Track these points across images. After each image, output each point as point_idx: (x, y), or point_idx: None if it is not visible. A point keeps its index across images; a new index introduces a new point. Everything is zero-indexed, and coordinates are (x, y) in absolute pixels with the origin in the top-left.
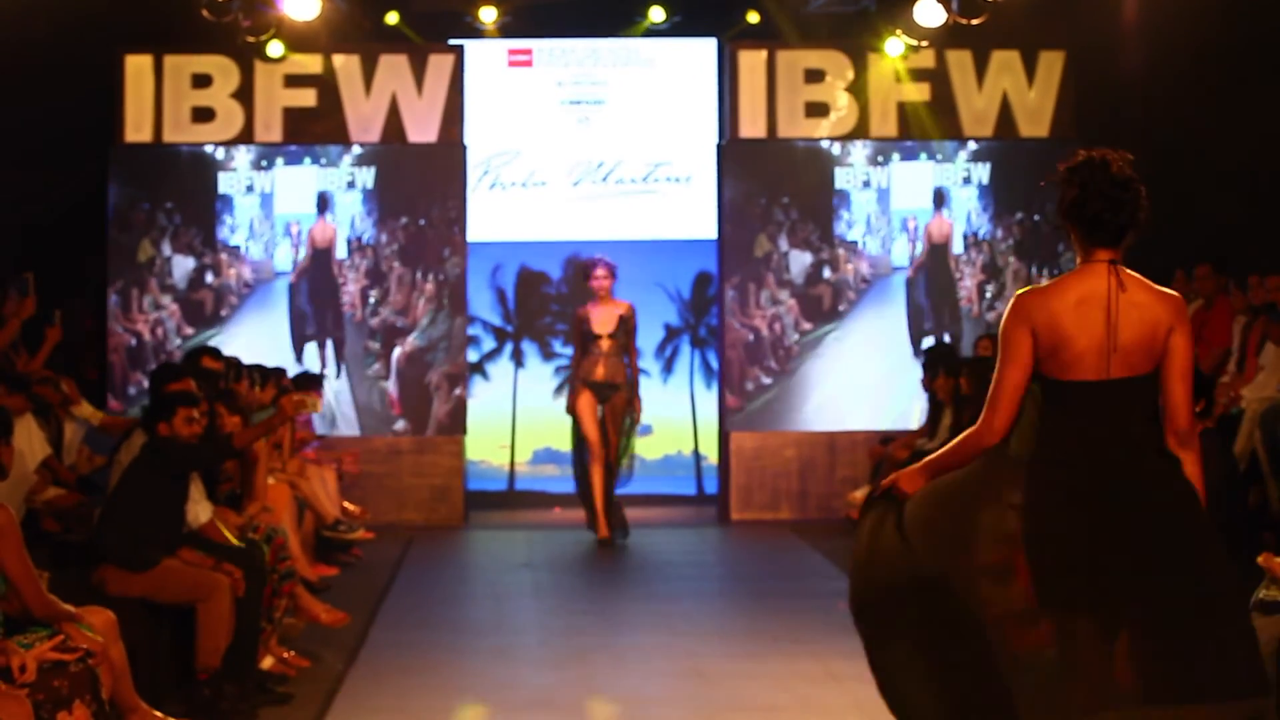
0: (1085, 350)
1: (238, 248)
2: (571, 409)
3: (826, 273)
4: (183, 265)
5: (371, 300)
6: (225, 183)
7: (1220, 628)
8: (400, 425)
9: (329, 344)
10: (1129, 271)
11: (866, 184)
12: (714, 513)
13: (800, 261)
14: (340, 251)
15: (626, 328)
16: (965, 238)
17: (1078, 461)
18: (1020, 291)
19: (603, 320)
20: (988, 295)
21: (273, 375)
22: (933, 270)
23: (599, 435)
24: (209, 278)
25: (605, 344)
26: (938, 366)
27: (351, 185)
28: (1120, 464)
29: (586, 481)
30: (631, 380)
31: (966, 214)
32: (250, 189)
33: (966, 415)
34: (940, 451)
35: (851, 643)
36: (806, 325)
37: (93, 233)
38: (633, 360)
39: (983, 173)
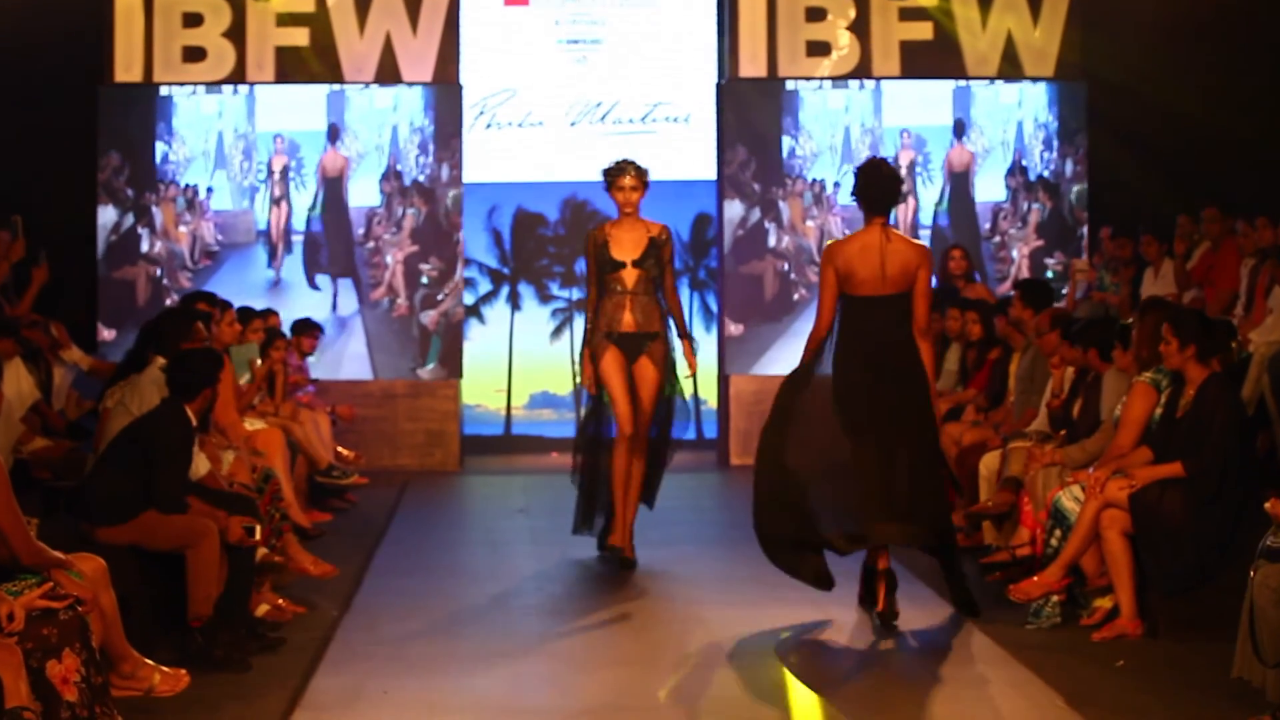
0: (866, 278)
1: (193, 189)
2: (592, 374)
3: (772, 238)
4: (101, 220)
5: (423, 280)
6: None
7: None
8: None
9: (341, 282)
10: (893, 229)
11: (840, 82)
12: (713, 458)
13: (726, 216)
14: (361, 193)
15: (660, 257)
16: (1010, 177)
17: (862, 342)
18: (827, 244)
19: (628, 243)
20: (1048, 270)
21: (260, 316)
22: (955, 212)
23: (630, 407)
24: (145, 243)
25: (631, 277)
26: (945, 305)
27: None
28: (886, 344)
29: (594, 470)
30: (677, 327)
31: (1016, 133)
32: (215, 87)
33: (972, 356)
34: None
35: (850, 589)
36: (733, 329)
37: (81, 174)
38: (672, 301)
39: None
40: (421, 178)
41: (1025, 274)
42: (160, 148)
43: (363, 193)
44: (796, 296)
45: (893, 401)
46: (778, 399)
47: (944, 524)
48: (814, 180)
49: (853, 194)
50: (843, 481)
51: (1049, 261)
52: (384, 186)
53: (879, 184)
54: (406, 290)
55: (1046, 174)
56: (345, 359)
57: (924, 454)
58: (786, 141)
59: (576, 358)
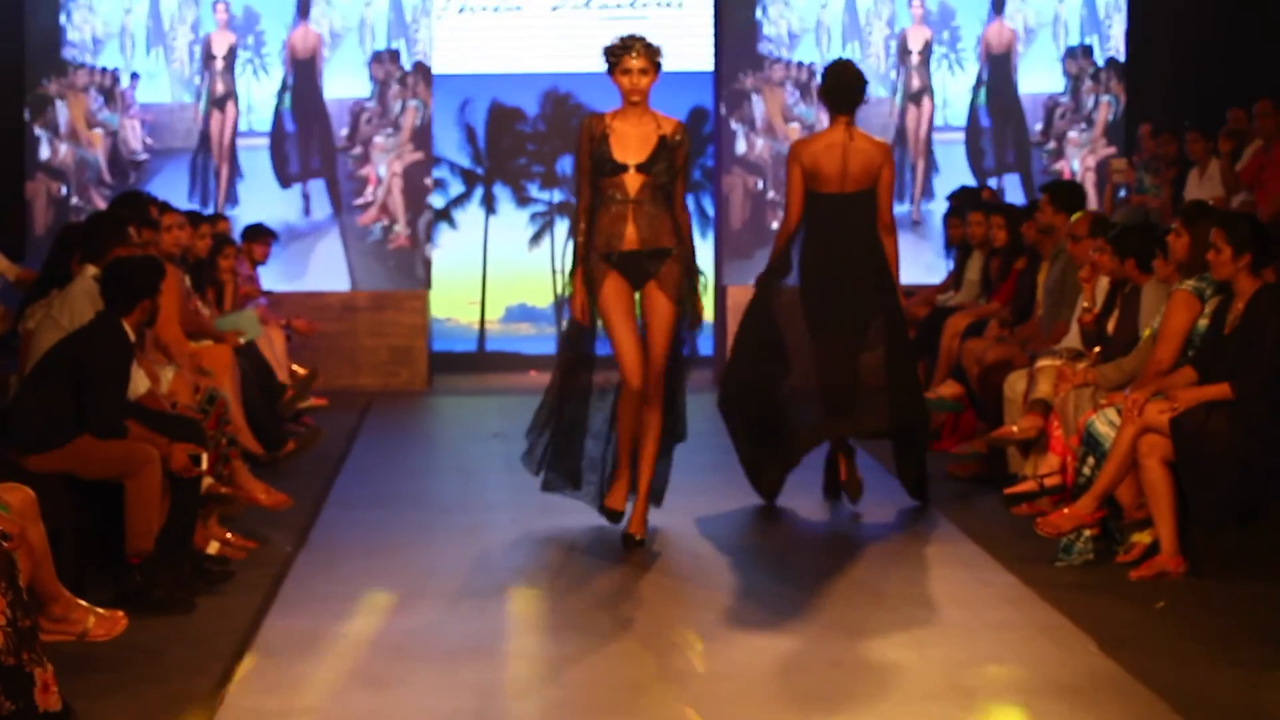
0: (831, 175)
1: (112, 75)
2: (584, 302)
3: (740, 143)
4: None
5: (430, 200)
6: None
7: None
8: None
9: (313, 185)
10: (856, 129)
11: None
12: (709, 377)
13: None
14: (342, 81)
15: (672, 161)
16: (1069, 61)
17: (827, 240)
18: (792, 142)
19: (633, 140)
20: (1121, 189)
21: (208, 220)
22: (994, 110)
23: (637, 355)
24: (44, 149)
25: (633, 183)
26: (966, 209)
27: None
28: (851, 241)
29: (576, 427)
30: (684, 247)
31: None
32: None
33: (996, 265)
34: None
35: (857, 526)
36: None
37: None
38: (680, 216)
39: None
40: (427, 60)
41: (1090, 193)
42: (60, 18)
43: (344, 81)
44: (776, 224)
45: (859, 298)
46: (750, 305)
47: (916, 416)
48: (800, 64)
49: (819, 94)
50: (809, 378)
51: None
52: (374, 71)
53: (844, 84)
54: (407, 213)
55: (1118, 56)
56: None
57: (894, 347)
58: (756, 12)
59: (557, 267)
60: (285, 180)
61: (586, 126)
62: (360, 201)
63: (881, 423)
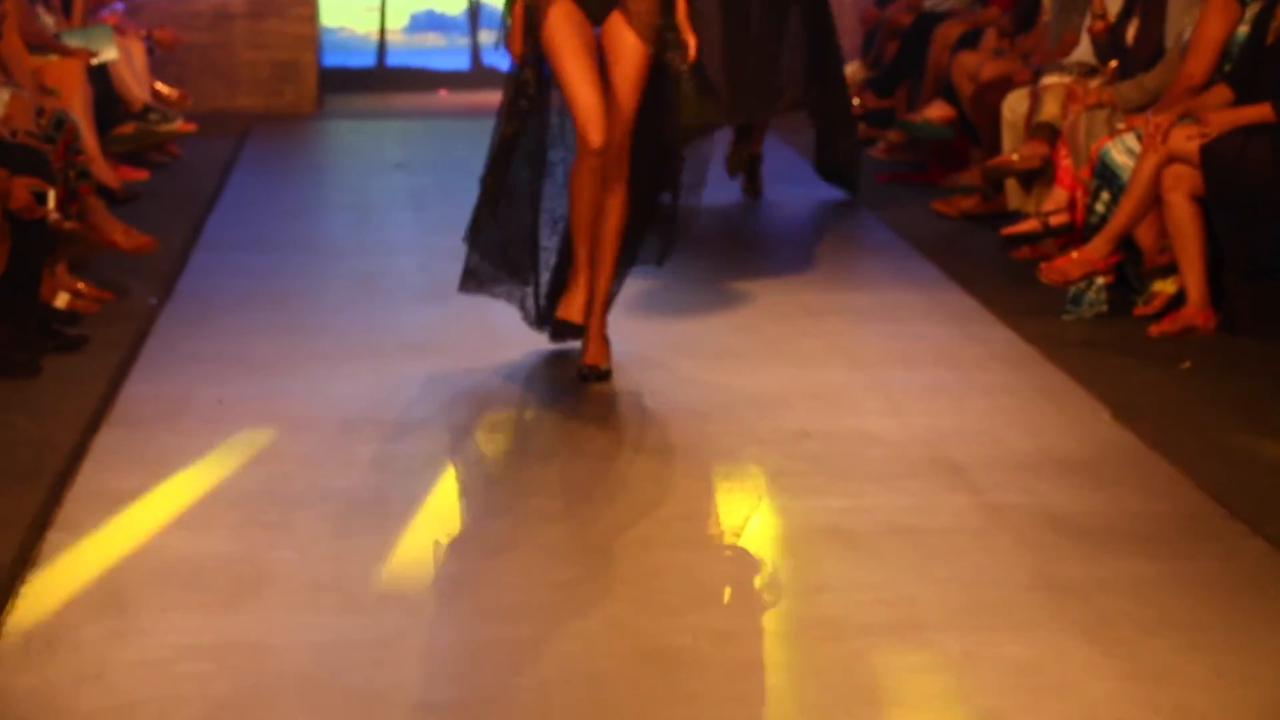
0: None
1: None
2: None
3: None
4: None
5: None
6: None
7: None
8: None
9: None
10: None
11: None
12: None
13: None
14: None
15: None
16: None
17: None
18: None
19: None
20: None
21: None
22: None
23: (597, 102)
24: None
25: None
26: None
27: None
28: None
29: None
30: None
31: None
32: None
33: None
34: None
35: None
36: None
37: None
38: None
39: None
40: None
41: None
42: None
43: None
44: None
45: None
46: None
47: (838, 92)
48: None
49: None
50: (724, 61)
51: None
52: None
53: None
54: None
55: None
56: None
57: (815, 30)
58: None
59: None
60: None
61: None
62: None
63: (797, 92)
